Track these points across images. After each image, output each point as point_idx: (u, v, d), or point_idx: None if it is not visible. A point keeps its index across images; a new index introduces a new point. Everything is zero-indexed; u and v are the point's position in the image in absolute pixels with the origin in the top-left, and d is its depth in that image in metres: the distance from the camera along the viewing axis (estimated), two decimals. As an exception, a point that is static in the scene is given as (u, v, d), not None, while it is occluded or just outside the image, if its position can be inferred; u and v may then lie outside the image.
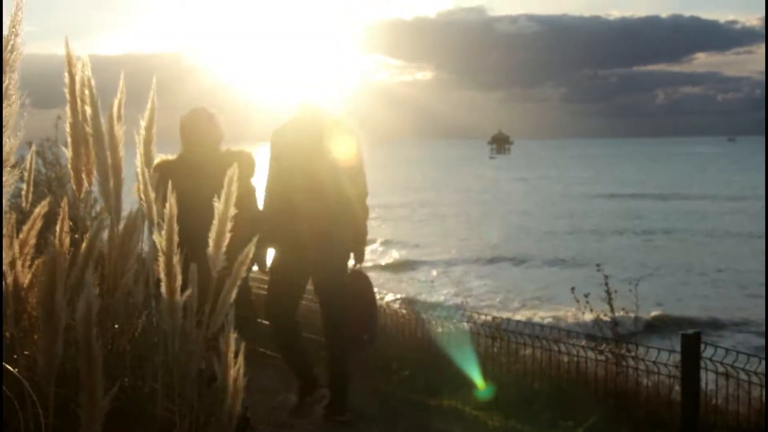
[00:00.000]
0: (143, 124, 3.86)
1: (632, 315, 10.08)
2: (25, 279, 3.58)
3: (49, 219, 3.76)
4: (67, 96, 3.72)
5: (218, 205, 3.47)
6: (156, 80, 3.98)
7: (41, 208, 3.79)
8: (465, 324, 8.54)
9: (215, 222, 3.49)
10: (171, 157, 6.04)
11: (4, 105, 1.55)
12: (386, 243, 42.64)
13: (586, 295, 9.60)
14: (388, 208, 60.76)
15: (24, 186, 4.39)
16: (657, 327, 22.51)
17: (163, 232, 3.29)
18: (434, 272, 34.21)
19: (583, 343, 7.77)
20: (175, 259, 3.26)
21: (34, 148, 4.58)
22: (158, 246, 3.26)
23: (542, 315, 23.88)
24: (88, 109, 3.61)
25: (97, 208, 7.01)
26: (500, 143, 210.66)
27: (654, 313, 24.11)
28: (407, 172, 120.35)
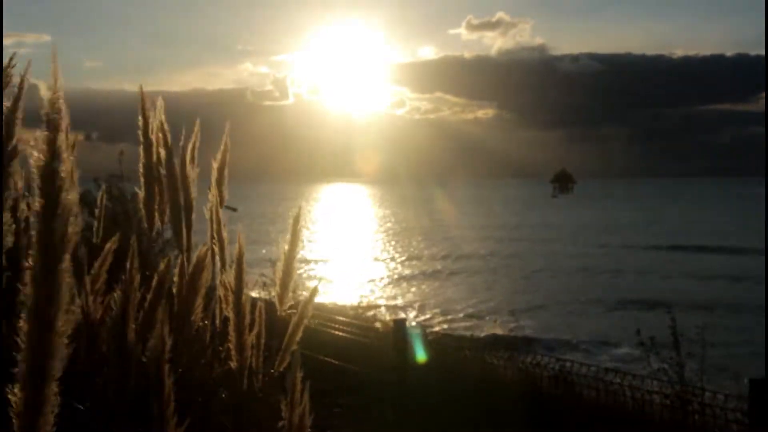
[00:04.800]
0: (215, 165, 3.93)
1: (699, 359, 9.90)
2: (97, 314, 3.65)
3: (119, 254, 3.84)
4: (141, 138, 3.82)
5: (286, 247, 3.52)
6: (222, 118, 4.05)
7: (112, 244, 3.87)
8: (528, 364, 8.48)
9: (281, 263, 3.54)
10: None
11: (60, 161, 1.65)
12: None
13: (651, 338, 9.47)
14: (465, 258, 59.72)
15: (95, 222, 4.51)
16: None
17: (232, 271, 3.34)
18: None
19: (648, 386, 7.66)
20: (245, 297, 3.31)
21: (104, 186, 4.69)
22: (226, 284, 3.32)
23: (605, 358, 23.39)
24: (162, 152, 3.70)
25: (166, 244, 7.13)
26: (563, 182, 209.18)
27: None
28: (473, 214, 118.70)
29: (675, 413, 7.35)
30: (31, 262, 1.58)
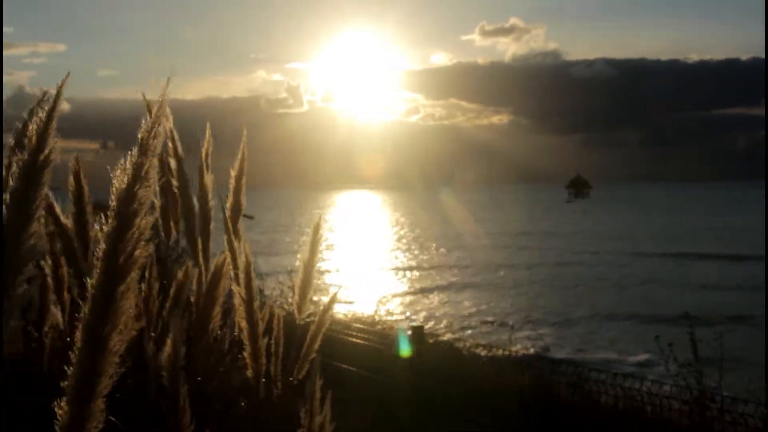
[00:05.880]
0: (233, 173, 3.93)
1: (717, 364, 9.84)
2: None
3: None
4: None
5: (304, 255, 3.52)
6: (236, 126, 4.05)
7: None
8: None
9: (301, 271, 3.53)
10: None
11: (142, 186, 1.64)
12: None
13: (670, 344, 9.42)
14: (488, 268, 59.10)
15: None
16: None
17: (242, 281, 3.33)
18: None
19: (667, 392, 7.62)
20: (256, 305, 3.31)
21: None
22: (238, 294, 3.31)
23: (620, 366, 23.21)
24: (173, 162, 3.72)
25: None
26: (578, 187, 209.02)
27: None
28: (488, 221, 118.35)
29: (693, 419, 7.31)
30: (94, 280, 1.56)
